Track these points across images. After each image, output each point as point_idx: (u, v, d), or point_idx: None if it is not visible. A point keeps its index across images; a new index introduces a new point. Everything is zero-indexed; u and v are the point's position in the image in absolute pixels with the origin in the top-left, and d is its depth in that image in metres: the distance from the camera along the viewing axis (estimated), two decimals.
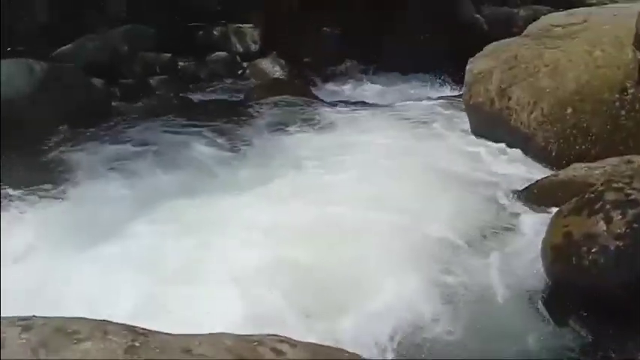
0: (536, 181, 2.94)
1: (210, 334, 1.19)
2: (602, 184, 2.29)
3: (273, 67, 5.75)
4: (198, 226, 2.71)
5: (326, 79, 5.88)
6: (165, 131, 3.96)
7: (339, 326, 2.10)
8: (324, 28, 6.22)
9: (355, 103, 4.84)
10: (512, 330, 2.12)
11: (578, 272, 2.11)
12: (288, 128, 4.04)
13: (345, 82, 5.85)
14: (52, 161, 3.53)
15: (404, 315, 2.14)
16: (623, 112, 3.10)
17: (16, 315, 1.33)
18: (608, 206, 2.13)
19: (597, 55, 3.24)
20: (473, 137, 3.69)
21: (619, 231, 2.05)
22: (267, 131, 4.01)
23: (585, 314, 2.08)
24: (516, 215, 2.75)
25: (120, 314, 1.88)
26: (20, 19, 5.36)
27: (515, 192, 2.93)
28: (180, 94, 5.08)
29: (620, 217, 2.08)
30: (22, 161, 3.43)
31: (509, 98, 3.40)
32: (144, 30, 5.71)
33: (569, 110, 3.18)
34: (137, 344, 1.07)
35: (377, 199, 2.83)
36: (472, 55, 3.86)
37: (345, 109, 4.56)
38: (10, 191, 3.01)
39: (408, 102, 4.69)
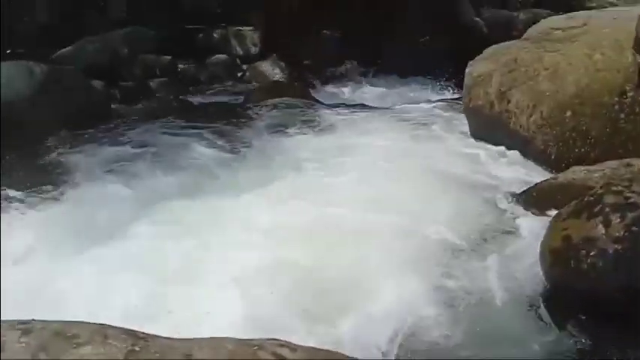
0: (536, 184, 2.94)
1: (210, 338, 1.19)
2: (601, 187, 2.29)
3: (272, 70, 5.76)
4: (198, 227, 2.71)
5: (326, 82, 5.89)
6: (165, 133, 3.97)
7: (337, 329, 2.10)
8: (324, 31, 6.24)
9: (355, 106, 4.85)
10: (510, 334, 2.11)
11: (577, 276, 2.10)
12: (287, 130, 4.05)
13: (345, 84, 5.86)
14: (52, 163, 3.53)
15: (403, 318, 2.14)
16: (622, 116, 3.10)
17: (15, 318, 1.33)
18: (607, 209, 2.13)
19: (597, 59, 3.25)
20: (472, 140, 3.69)
21: (618, 234, 2.05)
22: (266, 133, 4.02)
23: (584, 318, 2.07)
24: (515, 218, 2.75)
25: (118, 316, 1.90)
26: (20, 21, 5.37)
27: (514, 195, 2.94)
28: (180, 97, 5.09)
29: (619, 220, 2.08)
30: (22, 163, 3.44)
31: (509, 101, 3.41)
32: (144, 32, 5.72)
33: (569, 113, 3.18)
34: (137, 349, 1.07)
35: (376, 201, 2.84)
36: (471, 58, 3.87)
37: (345, 111, 4.56)
38: (11, 192, 3.02)
39: (407, 104, 4.70)
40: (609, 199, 2.17)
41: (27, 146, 3.64)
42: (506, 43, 3.95)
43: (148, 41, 5.67)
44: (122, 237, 2.64)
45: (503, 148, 3.45)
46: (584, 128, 3.13)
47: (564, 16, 4.11)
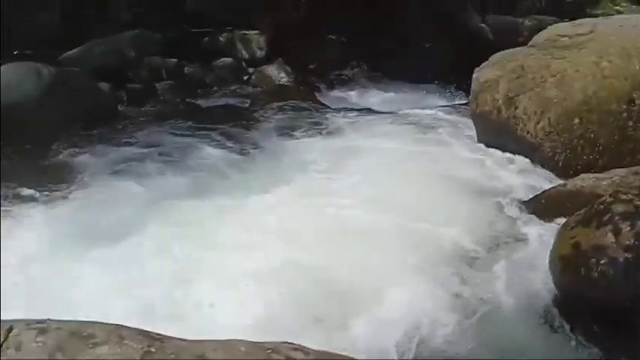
0: (544, 191, 2.94)
1: (224, 340, 1.19)
2: (610, 196, 2.29)
3: (278, 74, 5.78)
4: (206, 227, 2.72)
5: (331, 86, 5.90)
6: (172, 135, 3.97)
7: (342, 331, 2.11)
8: (330, 36, 6.26)
9: (361, 110, 4.86)
10: (518, 341, 2.11)
11: (587, 284, 2.10)
12: (294, 132, 4.06)
13: (351, 89, 5.87)
14: (60, 163, 3.54)
15: (411, 322, 2.14)
16: (630, 123, 3.10)
17: (28, 317, 1.34)
18: (616, 218, 2.13)
19: (604, 66, 3.25)
20: (479, 145, 3.68)
21: (628, 243, 2.05)
22: (274, 135, 4.03)
23: (594, 326, 2.07)
24: (523, 225, 2.74)
25: (122, 315, 1.89)
26: (27, 23, 5.40)
27: (522, 201, 2.93)
28: (187, 99, 5.10)
29: (629, 228, 2.08)
30: (31, 163, 3.46)
31: (516, 107, 3.41)
32: (150, 35, 5.74)
33: (577, 120, 3.18)
34: (153, 350, 1.07)
35: (383, 204, 2.84)
36: (477, 64, 3.87)
37: (351, 114, 4.57)
38: (20, 192, 3.02)
39: (413, 110, 4.69)
40: (619, 207, 2.17)
41: (35, 147, 3.65)
42: (513, 49, 3.95)
43: (154, 44, 5.70)
44: (130, 237, 2.64)
45: (510, 154, 3.44)
46: (592, 136, 3.13)
47: (571, 23, 4.12)
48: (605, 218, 2.15)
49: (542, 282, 2.30)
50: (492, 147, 3.56)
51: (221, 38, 6.11)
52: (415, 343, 2.04)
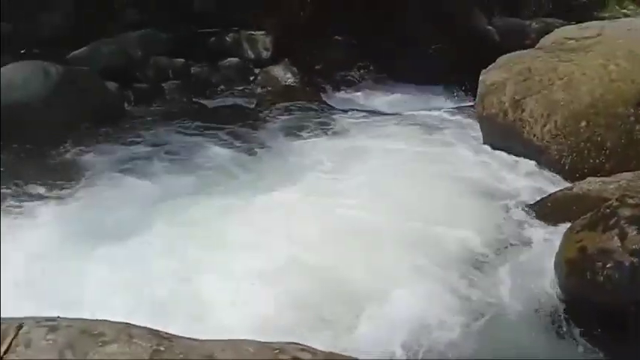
0: (550, 194, 2.94)
1: (232, 340, 1.20)
2: (617, 200, 2.29)
3: (284, 74, 5.78)
4: (211, 226, 2.74)
5: (337, 87, 5.90)
6: (179, 134, 3.99)
7: (348, 332, 2.11)
8: (336, 37, 6.26)
9: (366, 111, 4.86)
10: (523, 344, 2.11)
11: (593, 287, 2.10)
12: (301, 133, 4.08)
13: (357, 90, 5.87)
14: (67, 163, 3.56)
15: (416, 323, 2.14)
16: (637, 127, 3.10)
17: (38, 315, 1.35)
18: (623, 222, 2.13)
19: (612, 69, 3.25)
20: (485, 148, 3.69)
21: (634, 247, 2.05)
22: (280, 135, 4.05)
23: (599, 329, 2.07)
24: (529, 227, 2.74)
25: (127, 313, 1.91)
26: (35, 22, 5.43)
27: (528, 204, 2.93)
28: (193, 99, 5.12)
29: (636, 232, 2.08)
30: (37, 162, 3.47)
31: (523, 110, 3.40)
32: (157, 35, 5.76)
33: (583, 124, 3.18)
34: (162, 349, 1.08)
35: (389, 205, 2.86)
36: (484, 66, 3.86)
37: (357, 115, 4.58)
38: (27, 189, 3.04)
39: (419, 111, 4.70)
40: (625, 211, 2.17)
41: (43, 145, 3.67)
42: (520, 52, 3.95)
43: (161, 44, 5.71)
44: (136, 235, 2.66)
45: (516, 156, 3.44)
46: (598, 139, 3.13)
47: (578, 26, 4.11)
48: (612, 222, 2.15)
49: (547, 285, 2.30)
50: (498, 149, 3.56)
51: (227, 38, 6.12)
52: (420, 345, 2.04)
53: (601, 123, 3.15)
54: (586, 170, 3.08)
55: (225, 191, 3.13)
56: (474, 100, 4.01)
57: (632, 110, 3.11)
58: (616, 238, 2.09)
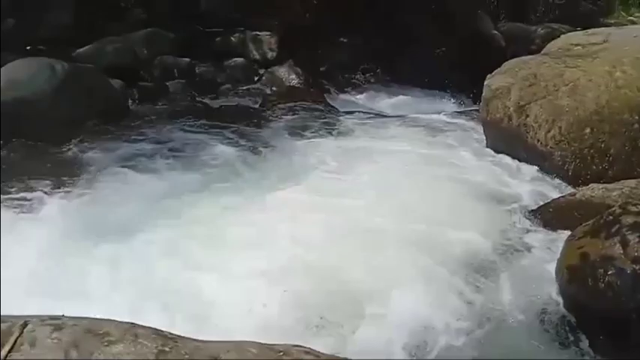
0: (553, 200, 2.94)
1: (236, 341, 1.21)
2: (619, 207, 2.29)
3: (289, 75, 5.79)
4: (215, 224, 2.74)
5: (341, 89, 5.91)
6: (183, 133, 4.00)
7: (350, 333, 2.11)
8: (341, 39, 6.26)
9: (370, 113, 4.87)
10: (522, 350, 2.11)
11: (594, 294, 2.10)
12: (304, 133, 4.09)
13: (361, 92, 5.88)
14: (71, 159, 3.56)
15: (417, 325, 2.15)
16: None
17: (41, 313, 1.35)
18: (625, 229, 2.13)
19: (618, 76, 3.25)
20: (489, 151, 3.70)
21: (636, 254, 2.05)
22: (284, 135, 4.06)
23: (600, 337, 2.07)
24: (531, 232, 2.75)
25: (129, 311, 1.91)
26: (41, 19, 5.44)
27: (530, 209, 2.93)
28: (198, 98, 5.13)
29: (638, 240, 2.08)
30: (41, 159, 3.48)
31: (527, 115, 3.41)
32: (163, 34, 5.77)
33: (588, 130, 3.18)
34: (167, 349, 1.09)
35: (392, 206, 2.87)
36: (489, 71, 3.87)
37: (361, 117, 4.59)
38: (31, 184, 3.05)
39: (423, 114, 4.71)
40: (628, 218, 2.17)
41: (47, 142, 3.68)
42: (526, 57, 3.96)
43: (167, 43, 5.72)
44: (139, 233, 2.66)
45: (520, 161, 3.45)
46: (602, 145, 3.13)
47: (584, 32, 4.12)
48: (614, 229, 2.15)
49: (548, 291, 2.30)
50: (502, 153, 3.57)
51: (233, 38, 6.14)
52: (421, 348, 2.04)
53: (605, 130, 3.15)
54: (589, 177, 3.08)
55: (229, 189, 3.14)
56: (479, 104, 4.02)
57: (637, 117, 3.12)
58: (618, 245, 2.09)
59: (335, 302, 2.25)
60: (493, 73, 3.81)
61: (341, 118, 4.50)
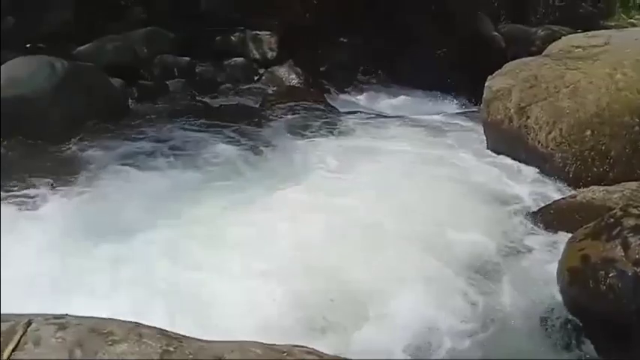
0: (553, 202, 2.94)
1: (240, 342, 1.21)
2: (620, 209, 2.29)
3: (289, 75, 5.79)
4: (215, 223, 2.74)
5: (342, 89, 5.92)
6: (183, 132, 4.00)
7: (351, 333, 2.12)
8: (341, 39, 6.27)
9: (371, 113, 4.87)
10: (523, 351, 2.12)
11: (595, 297, 2.11)
12: (305, 133, 4.09)
13: (361, 92, 5.89)
14: (70, 158, 3.56)
15: (418, 326, 2.15)
16: None
17: (44, 312, 1.35)
18: (626, 231, 2.13)
19: (618, 78, 3.25)
20: (489, 153, 3.70)
21: (637, 257, 2.05)
22: (284, 135, 4.06)
23: (601, 339, 2.08)
24: (531, 234, 2.75)
25: (130, 311, 1.91)
26: (41, 17, 5.43)
27: (530, 211, 2.94)
28: (198, 97, 5.12)
29: (639, 242, 2.08)
30: (41, 157, 3.48)
31: (528, 117, 3.41)
32: (163, 33, 5.77)
33: (588, 132, 3.18)
34: (172, 349, 1.09)
35: (392, 207, 2.87)
36: (489, 72, 3.87)
37: (362, 117, 4.59)
38: (32, 181, 3.05)
39: (423, 115, 4.71)
40: (629, 220, 2.18)
41: (46, 140, 3.68)
42: (526, 58, 3.96)
43: (167, 42, 5.72)
44: (138, 231, 2.66)
45: (520, 163, 3.45)
46: (603, 148, 3.13)
47: (585, 34, 4.12)
48: (615, 232, 2.16)
49: (549, 293, 2.30)
50: (503, 155, 3.57)
51: (233, 38, 6.14)
52: (422, 349, 2.04)
53: (606, 132, 3.15)
54: (590, 179, 3.08)
55: (229, 188, 3.14)
56: (479, 105, 4.02)
57: (637, 120, 3.12)
58: (619, 247, 2.10)
59: (336, 302, 2.25)
60: (494, 75, 3.81)
61: (341, 118, 4.50)
